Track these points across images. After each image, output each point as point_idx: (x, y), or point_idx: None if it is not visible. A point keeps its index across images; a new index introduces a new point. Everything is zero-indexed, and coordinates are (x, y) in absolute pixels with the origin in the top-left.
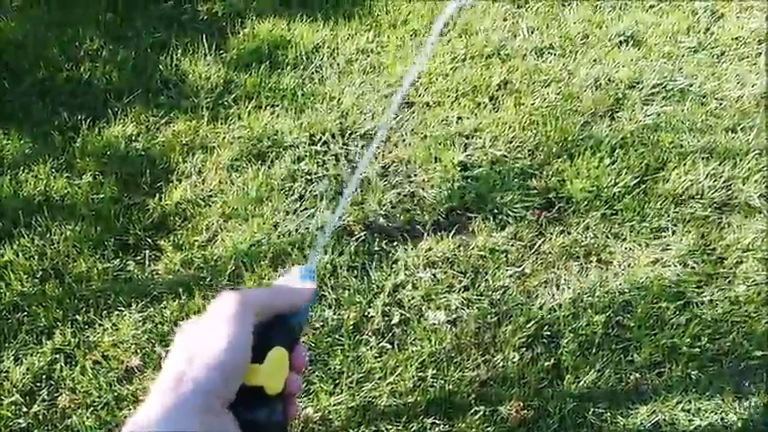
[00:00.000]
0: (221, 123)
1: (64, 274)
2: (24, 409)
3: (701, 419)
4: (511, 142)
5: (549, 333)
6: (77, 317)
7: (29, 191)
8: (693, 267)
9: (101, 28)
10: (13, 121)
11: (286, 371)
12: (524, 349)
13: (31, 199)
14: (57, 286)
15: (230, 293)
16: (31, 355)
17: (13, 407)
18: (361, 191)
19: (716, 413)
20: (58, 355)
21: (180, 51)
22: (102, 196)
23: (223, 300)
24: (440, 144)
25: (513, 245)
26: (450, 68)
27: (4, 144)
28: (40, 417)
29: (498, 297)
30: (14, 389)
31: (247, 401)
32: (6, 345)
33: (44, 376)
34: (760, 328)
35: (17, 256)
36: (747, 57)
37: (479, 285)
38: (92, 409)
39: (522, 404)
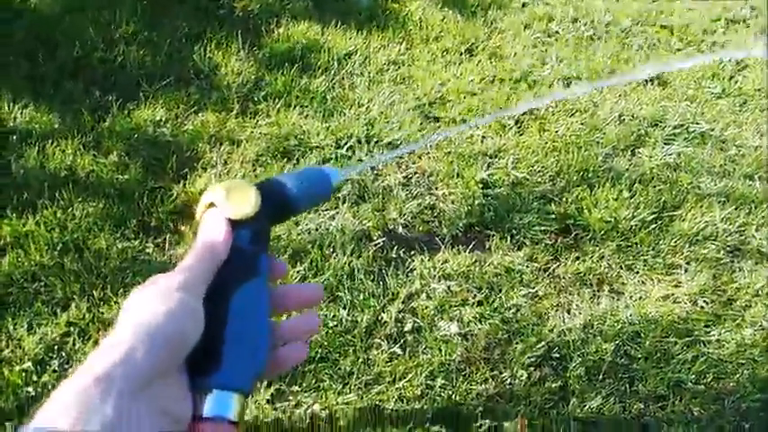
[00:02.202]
0: (249, 118)
1: (83, 249)
2: (35, 378)
3: None
4: (533, 166)
5: (557, 356)
6: (94, 292)
7: (55, 165)
8: (703, 306)
9: (137, 13)
10: (45, 94)
11: (250, 200)
12: (532, 369)
13: (57, 173)
14: (75, 260)
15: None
16: (45, 325)
17: (23, 374)
18: (383, 198)
19: None
20: (71, 329)
21: (214, 44)
22: (126, 177)
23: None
24: (463, 161)
25: (528, 266)
26: (479, 88)
27: (33, 116)
28: (50, 387)
29: (510, 315)
30: (26, 357)
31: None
32: (21, 313)
33: (56, 347)
34: (764, 372)
35: (39, 226)
36: None
37: (493, 302)
38: None
39: (526, 422)
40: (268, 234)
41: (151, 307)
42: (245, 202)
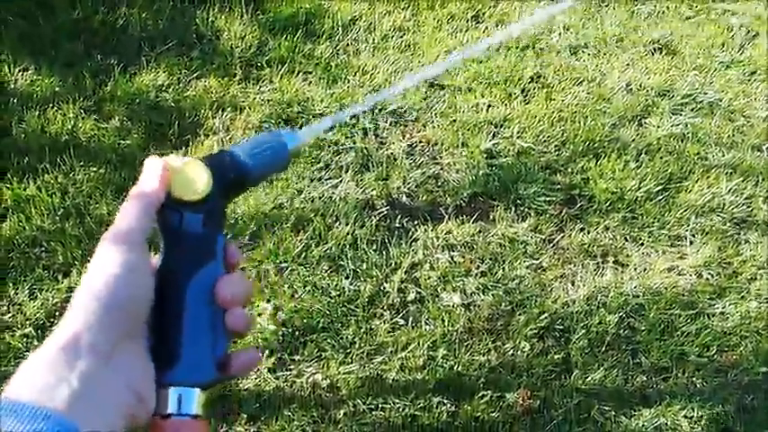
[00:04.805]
0: (252, 84)
1: (85, 214)
2: (36, 343)
3: (703, 428)
4: (539, 136)
5: (561, 327)
6: None
7: (56, 129)
8: (708, 279)
9: None
10: (45, 57)
11: (200, 180)
12: (535, 340)
13: (58, 137)
14: (77, 226)
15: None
16: (47, 290)
17: (24, 339)
18: (387, 167)
19: (717, 423)
20: (73, 294)
21: (217, 8)
22: (128, 142)
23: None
24: (468, 130)
25: (532, 237)
26: (485, 56)
27: (34, 79)
28: None
29: (514, 286)
30: (27, 322)
31: (170, 206)
32: (22, 278)
33: (57, 313)
34: (767, 346)
35: (40, 191)
36: None
37: (496, 273)
38: None
39: (528, 393)
40: (222, 212)
41: (98, 270)
42: (196, 183)
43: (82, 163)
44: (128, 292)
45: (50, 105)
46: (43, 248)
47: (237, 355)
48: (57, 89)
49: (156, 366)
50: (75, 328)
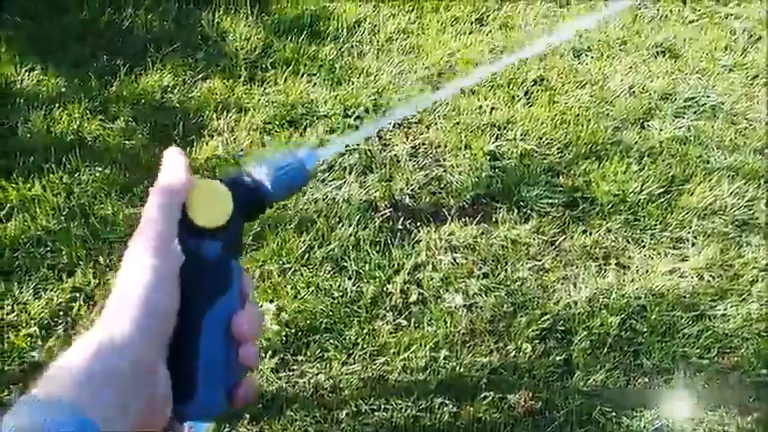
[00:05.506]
0: (257, 85)
1: (89, 214)
2: (40, 343)
3: (704, 430)
4: (541, 138)
5: (562, 329)
6: (100, 258)
7: (62, 129)
8: (709, 281)
9: None
10: (52, 57)
11: (222, 206)
12: (537, 342)
13: (64, 137)
14: (82, 226)
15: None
16: (51, 290)
17: (29, 338)
18: (390, 169)
19: (719, 425)
20: (77, 294)
21: (222, 10)
22: (133, 143)
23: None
24: (471, 132)
25: (534, 239)
26: (489, 59)
27: (40, 79)
28: (55, 351)
29: (516, 288)
30: (32, 321)
31: (188, 230)
32: (27, 277)
33: (62, 313)
34: None
35: (45, 190)
36: None
37: (498, 274)
38: None
39: (530, 395)
40: (240, 236)
41: (132, 277)
42: (218, 210)
43: (87, 163)
44: (161, 301)
45: (56, 105)
46: (48, 248)
47: (245, 385)
48: (63, 89)
49: (173, 396)
50: (113, 335)
